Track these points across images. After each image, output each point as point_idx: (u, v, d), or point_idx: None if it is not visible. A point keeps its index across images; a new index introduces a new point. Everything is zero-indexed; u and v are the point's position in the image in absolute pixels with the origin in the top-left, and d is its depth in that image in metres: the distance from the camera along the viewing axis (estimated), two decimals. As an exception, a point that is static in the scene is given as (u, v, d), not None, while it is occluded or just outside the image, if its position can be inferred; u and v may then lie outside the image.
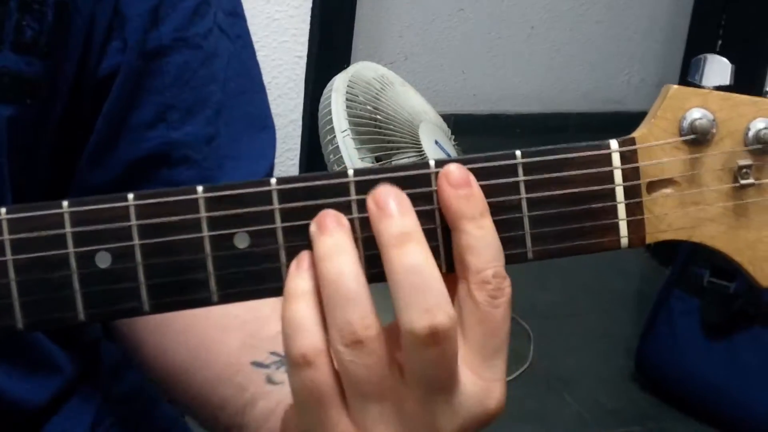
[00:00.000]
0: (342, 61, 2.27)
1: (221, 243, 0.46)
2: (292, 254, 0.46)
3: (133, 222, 0.45)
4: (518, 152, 0.48)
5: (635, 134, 0.49)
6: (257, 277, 0.46)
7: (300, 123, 2.32)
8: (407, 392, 0.45)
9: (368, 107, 2.01)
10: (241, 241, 0.46)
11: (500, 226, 0.47)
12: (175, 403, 0.70)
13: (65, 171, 0.68)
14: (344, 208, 0.46)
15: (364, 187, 0.46)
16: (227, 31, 0.69)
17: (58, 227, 0.44)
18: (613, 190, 0.49)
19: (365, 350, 0.44)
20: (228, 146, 0.69)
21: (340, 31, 2.32)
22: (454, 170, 0.46)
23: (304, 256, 0.46)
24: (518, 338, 2.19)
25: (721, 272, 1.95)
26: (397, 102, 2.06)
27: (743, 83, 0.51)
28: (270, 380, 0.60)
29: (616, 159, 0.49)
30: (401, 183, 0.46)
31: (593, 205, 0.48)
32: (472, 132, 2.87)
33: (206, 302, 0.46)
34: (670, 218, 0.49)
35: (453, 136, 2.20)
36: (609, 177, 0.49)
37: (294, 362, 0.45)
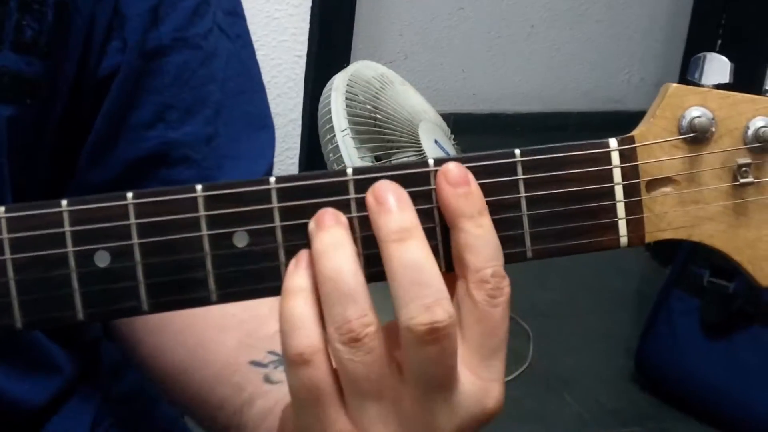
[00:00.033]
0: (342, 60, 2.27)
1: (220, 242, 0.45)
2: (291, 253, 0.46)
3: (132, 221, 0.45)
4: (517, 151, 0.48)
5: (635, 133, 0.49)
6: (256, 276, 0.46)
7: (299, 122, 2.32)
8: (405, 391, 0.45)
9: (368, 106, 2.01)
10: (240, 240, 0.46)
11: (499, 224, 0.47)
12: (173, 402, 0.70)
13: (65, 171, 0.67)
14: (343, 207, 0.46)
15: (363, 185, 0.46)
16: (227, 31, 0.69)
17: (58, 226, 0.44)
18: (612, 189, 0.49)
19: (363, 348, 0.44)
20: (227, 146, 0.69)
21: (340, 30, 2.32)
22: (453, 169, 0.46)
23: (303, 254, 0.45)
24: (518, 338, 2.18)
25: (720, 272, 1.95)
26: (396, 101, 2.06)
27: (743, 82, 0.50)
28: (268, 379, 0.60)
29: (615, 158, 0.49)
30: (400, 181, 0.46)
31: (592, 204, 0.48)
32: (472, 131, 2.87)
33: (205, 301, 0.46)
34: (670, 217, 0.49)
35: (453, 136, 2.19)
36: (608, 176, 0.48)
37: (292, 360, 0.45)
